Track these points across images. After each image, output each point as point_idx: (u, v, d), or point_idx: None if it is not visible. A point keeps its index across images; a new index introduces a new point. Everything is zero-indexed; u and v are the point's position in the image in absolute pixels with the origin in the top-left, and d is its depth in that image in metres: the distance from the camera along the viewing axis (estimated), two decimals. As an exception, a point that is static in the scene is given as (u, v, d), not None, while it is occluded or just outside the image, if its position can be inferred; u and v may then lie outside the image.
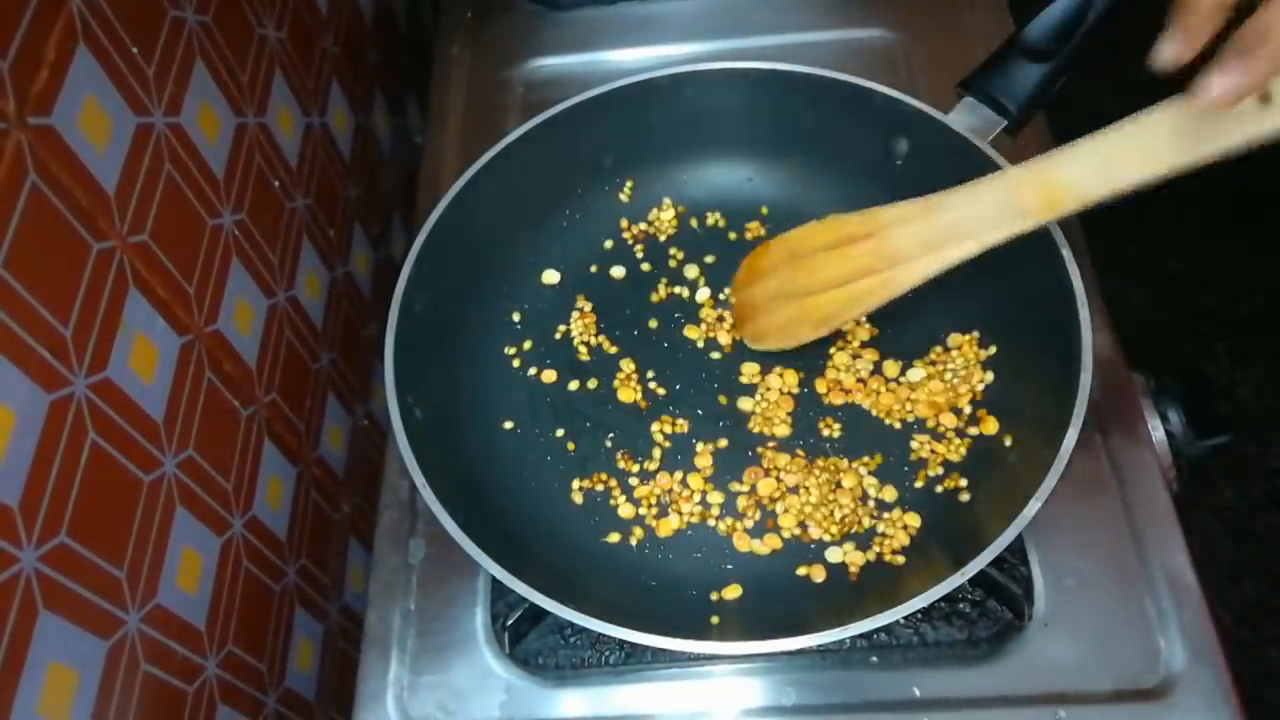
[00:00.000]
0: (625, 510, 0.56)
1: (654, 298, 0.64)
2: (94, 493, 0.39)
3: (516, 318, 0.63)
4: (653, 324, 0.63)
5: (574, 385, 0.61)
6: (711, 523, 0.56)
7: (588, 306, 0.63)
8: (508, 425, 0.59)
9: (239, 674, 0.50)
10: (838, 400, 0.59)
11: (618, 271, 0.65)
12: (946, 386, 0.58)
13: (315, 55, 0.67)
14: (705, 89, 0.63)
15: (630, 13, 0.80)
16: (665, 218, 0.66)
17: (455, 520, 0.48)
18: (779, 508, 0.56)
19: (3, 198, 0.35)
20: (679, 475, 0.57)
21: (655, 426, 0.59)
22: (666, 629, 0.45)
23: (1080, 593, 0.53)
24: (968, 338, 0.59)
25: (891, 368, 0.59)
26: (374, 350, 0.75)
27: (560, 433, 0.59)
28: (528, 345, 0.62)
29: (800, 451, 0.57)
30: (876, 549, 0.54)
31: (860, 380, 0.59)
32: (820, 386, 0.59)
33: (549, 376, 0.61)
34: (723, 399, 0.60)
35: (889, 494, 0.55)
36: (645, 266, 0.65)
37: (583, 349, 0.62)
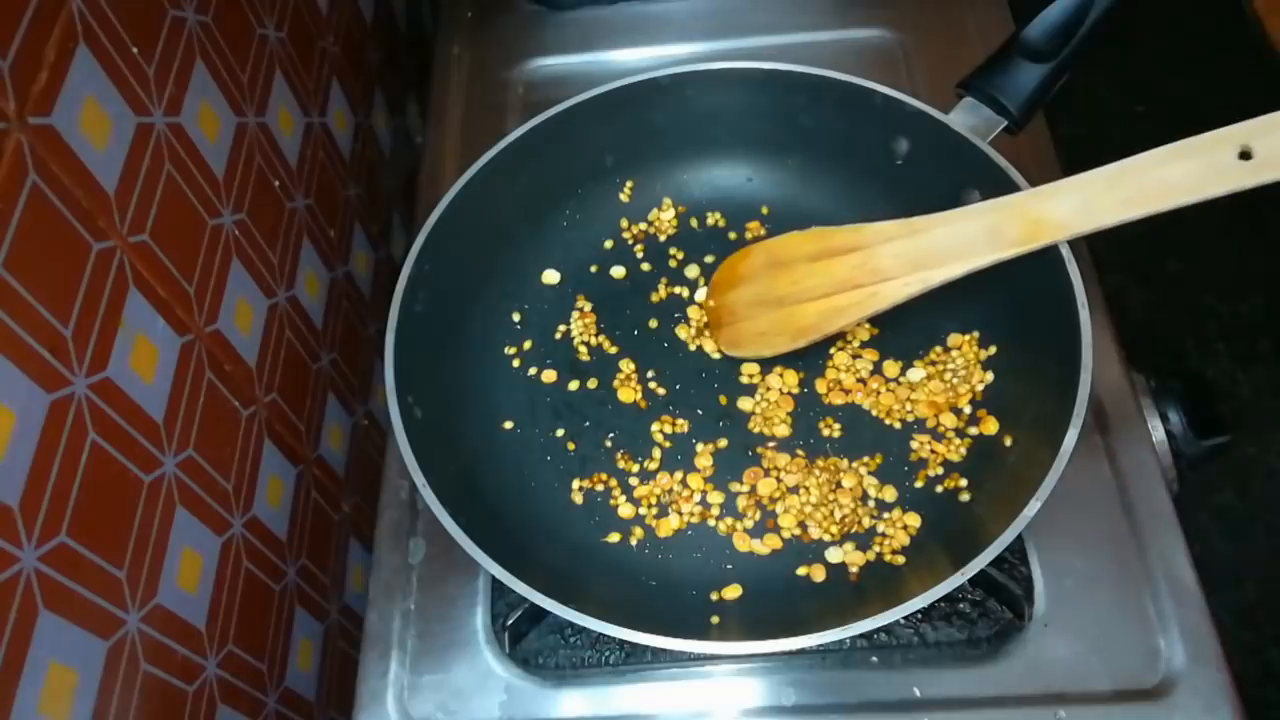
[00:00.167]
0: (625, 510, 0.56)
1: (654, 298, 0.64)
2: (94, 493, 0.39)
3: (516, 318, 0.63)
4: (653, 324, 0.63)
5: (574, 385, 0.61)
6: (711, 523, 0.56)
7: (588, 306, 0.63)
8: (508, 425, 0.59)
9: (239, 674, 0.50)
10: (838, 400, 0.59)
11: (618, 271, 0.65)
12: (946, 386, 0.58)
13: (315, 55, 0.67)
14: (705, 89, 0.63)
15: (630, 13, 0.80)
16: (665, 218, 0.66)
17: (455, 520, 0.48)
18: (779, 508, 0.56)
19: (3, 198, 0.35)
20: (679, 475, 0.57)
21: (655, 426, 0.59)
22: (666, 629, 0.45)
23: (1080, 593, 0.53)
24: (968, 338, 0.59)
25: (891, 368, 0.59)
26: (374, 350, 0.75)
27: (560, 433, 0.59)
28: (528, 345, 0.62)
29: (800, 451, 0.57)
30: (876, 549, 0.54)
31: (860, 380, 0.59)
32: (820, 386, 0.59)
33: (549, 376, 0.61)
34: (723, 399, 0.60)
35: (889, 494, 0.55)
36: (645, 266, 0.65)
37: (583, 349, 0.62)
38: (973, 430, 0.56)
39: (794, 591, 0.53)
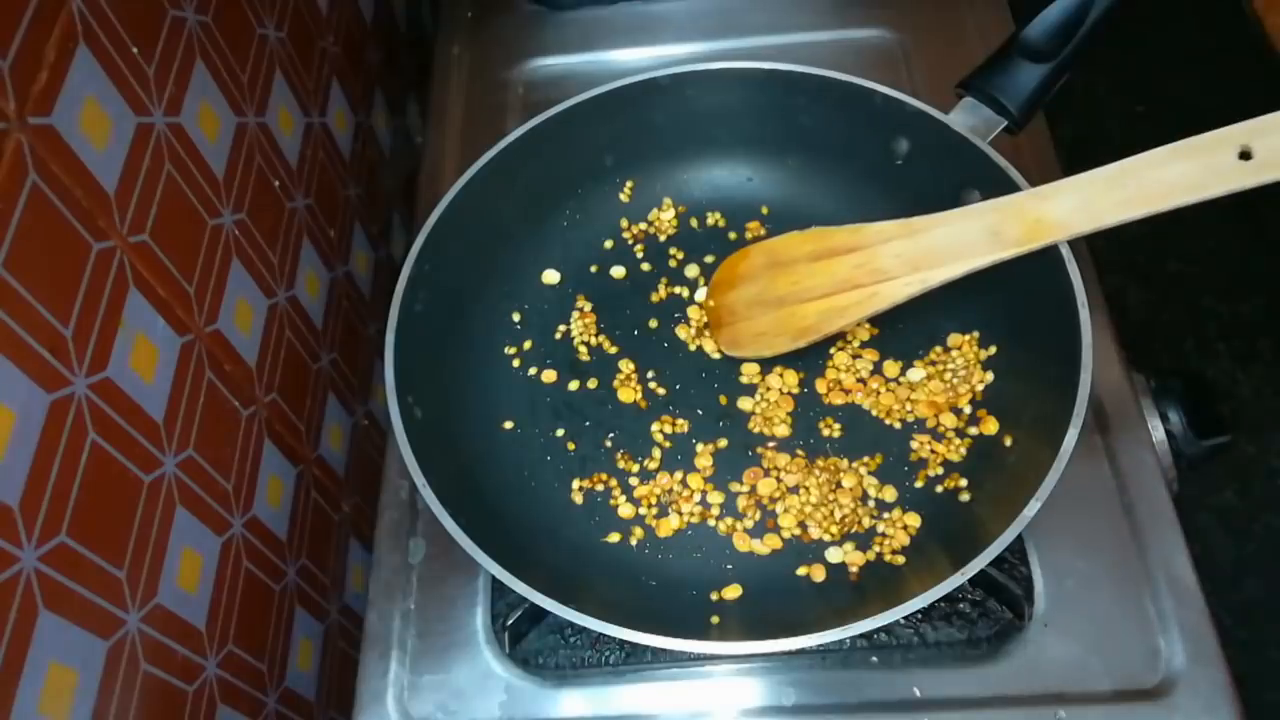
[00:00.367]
0: (625, 510, 0.56)
1: (654, 298, 0.64)
2: (94, 493, 0.39)
3: (516, 318, 0.63)
4: (653, 324, 0.63)
5: (574, 385, 0.61)
6: (711, 523, 0.56)
7: (588, 306, 0.63)
8: (508, 425, 0.59)
9: (239, 674, 0.50)
10: (838, 400, 0.59)
11: (618, 271, 0.65)
12: (946, 386, 0.58)
13: (315, 55, 0.67)
14: (705, 89, 0.63)
15: (630, 13, 0.80)
16: (665, 218, 0.66)
17: (455, 520, 0.48)
18: (779, 508, 0.56)
19: (3, 197, 0.35)
20: (679, 475, 0.57)
21: (655, 426, 0.59)
22: (666, 629, 0.45)
23: (1080, 593, 0.53)
24: (968, 338, 0.59)
25: (891, 368, 0.59)
26: (374, 350, 0.75)
27: (560, 432, 0.59)
28: (528, 345, 0.62)
29: (800, 451, 0.57)
30: (876, 549, 0.54)
31: (860, 380, 0.59)
32: (820, 386, 0.59)
33: (549, 376, 0.61)
34: (723, 399, 0.60)
35: (889, 494, 0.55)
36: (645, 266, 0.65)
37: (583, 349, 0.62)
38: (973, 430, 0.56)
39: (794, 591, 0.53)
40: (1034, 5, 0.55)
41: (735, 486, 0.57)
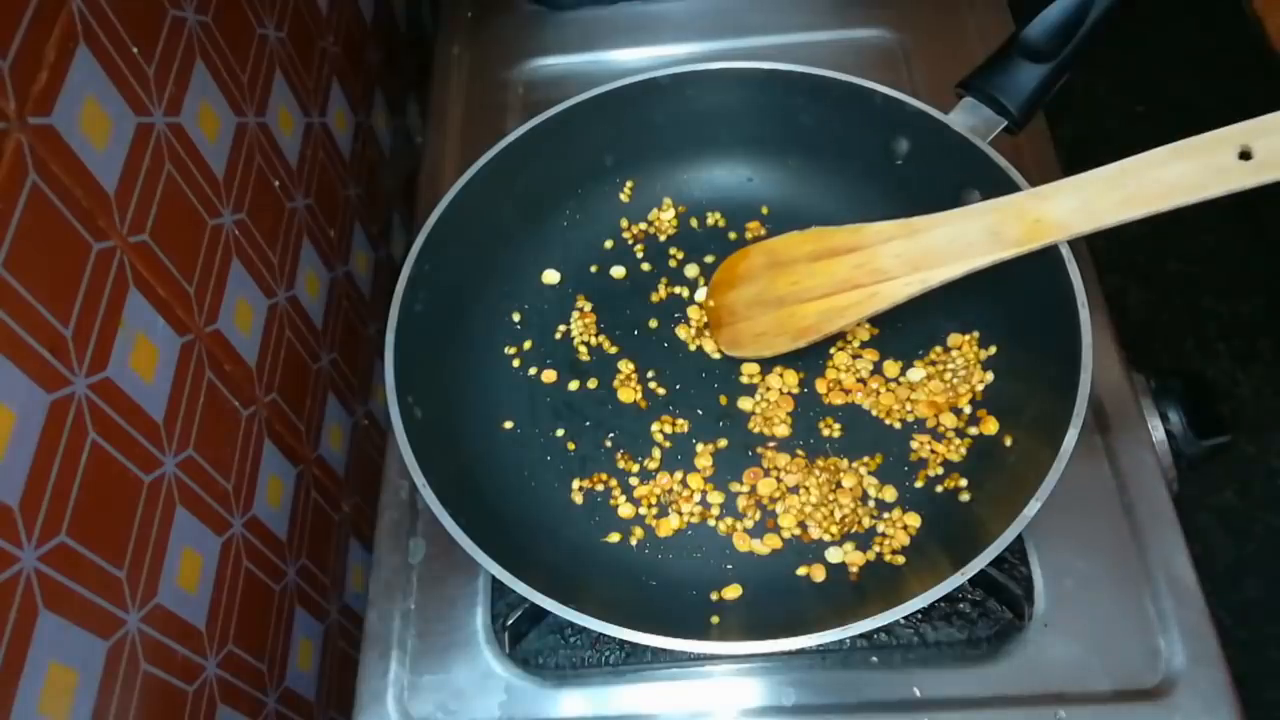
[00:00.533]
0: (625, 510, 0.56)
1: (654, 298, 0.64)
2: (94, 493, 0.39)
3: (516, 318, 0.63)
4: (653, 324, 0.63)
5: (574, 385, 0.61)
6: (711, 523, 0.56)
7: (588, 306, 0.63)
8: (508, 425, 0.59)
9: (239, 674, 0.50)
10: (838, 400, 0.59)
11: (618, 271, 0.65)
12: (946, 386, 0.58)
13: (315, 55, 0.67)
14: (705, 89, 0.63)
15: (630, 13, 0.80)
16: (665, 218, 0.66)
17: (455, 520, 0.48)
18: (779, 508, 0.56)
19: (3, 197, 0.35)
20: (679, 475, 0.57)
21: (655, 426, 0.59)
22: (666, 629, 0.45)
23: (1080, 593, 0.53)
24: (968, 338, 0.59)
25: (891, 368, 0.59)
26: (374, 350, 0.75)
27: (560, 432, 0.59)
28: (528, 345, 0.62)
29: (800, 451, 0.57)
30: (876, 549, 0.54)
31: (860, 380, 0.59)
32: (820, 386, 0.59)
33: (549, 376, 0.61)
34: (723, 399, 0.60)
35: (889, 494, 0.55)
36: (645, 266, 0.65)
37: (583, 349, 0.62)
38: (973, 430, 0.56)
39: (794, 591, 0.53)
40: (1034, 5, 0.55)
41: (735, 486, 0.57)
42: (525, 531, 0.54)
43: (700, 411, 0.59)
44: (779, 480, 0.56)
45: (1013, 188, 0.53)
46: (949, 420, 0.57)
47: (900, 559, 0.53)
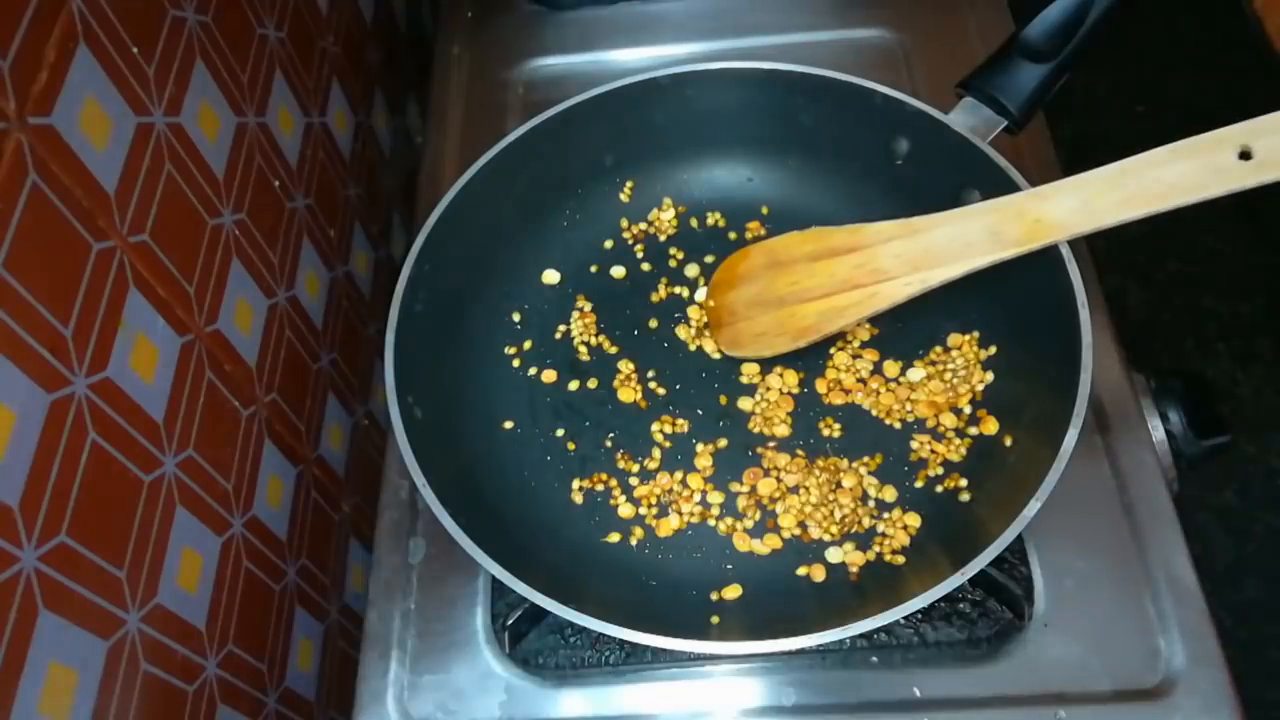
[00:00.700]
0: (625, 510, 0.56)
1: (654, 298, 0.64)
2: (94, 492, 0.39)
3: (516, 318, 0.63)
4: (653, 324, 0.63)
5: (574, 385, 0.61)
6: (711, 523, 0.56)
7: (588, 306, 0.63)
8: (508, 425, 0.59)
9: (239, 674, 0.50)
10: (838, 400, 0.59)
11: (618, 271, 0.65)
12: (946, 386, 0.58)
13: (315, 55, 0.67)
14: (705, 89, 0.63)
15: (630, 13, 0.80)
16: (665, 218, 0.66)
17: (455, 520, 0.48)
18: (779, 508, 0.56)
19: (3, 197, 0.35)
20: (679, 475, 0.57)
21: (655, 426, 0.59)
22: (666, 629, 0.45)
23: (1080, 593, 0.53)
24: (968, 338, 0.59)
25: (892, 368, 0.59)
26: (374, 350, 0.75)
27: (560, 432, 0.59)
28: (528, 345, 0.62)
29: (800, 451, 0.57)
30: (876, 549, 0.54)
31: (860, 380, 0.59)
32: (820, 386, 0.59)
33: (549, 376, 0.61)
34: (723, 399, 0.60)
35: (889, 494, 0.55)
36: (645, 266, 0.65)
37: (583, 349, 0.62)
38: (973, 430, 0.56)
39: (794, 591, 0.53)
40: (1034, 5, 0.55)
41: (735, 486, 0.57)
42: (525, 531, 0.54)
43: (700, 411, 0.59)
44: (779, 480, 0.56)
45: (1013, 188, 0.53)
46: (949, 420, 0.57)
47: (900, 559, 0.53)
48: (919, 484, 0.56)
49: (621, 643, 0.54)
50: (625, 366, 0.61)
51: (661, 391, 0.60)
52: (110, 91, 0.42)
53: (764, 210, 0.66)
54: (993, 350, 0.58)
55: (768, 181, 0.66)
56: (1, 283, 0.35)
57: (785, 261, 0.59)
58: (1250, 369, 1.30)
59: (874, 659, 0.53)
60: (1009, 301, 0.57)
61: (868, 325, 0.61)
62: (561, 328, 0.63)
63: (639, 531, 0.56)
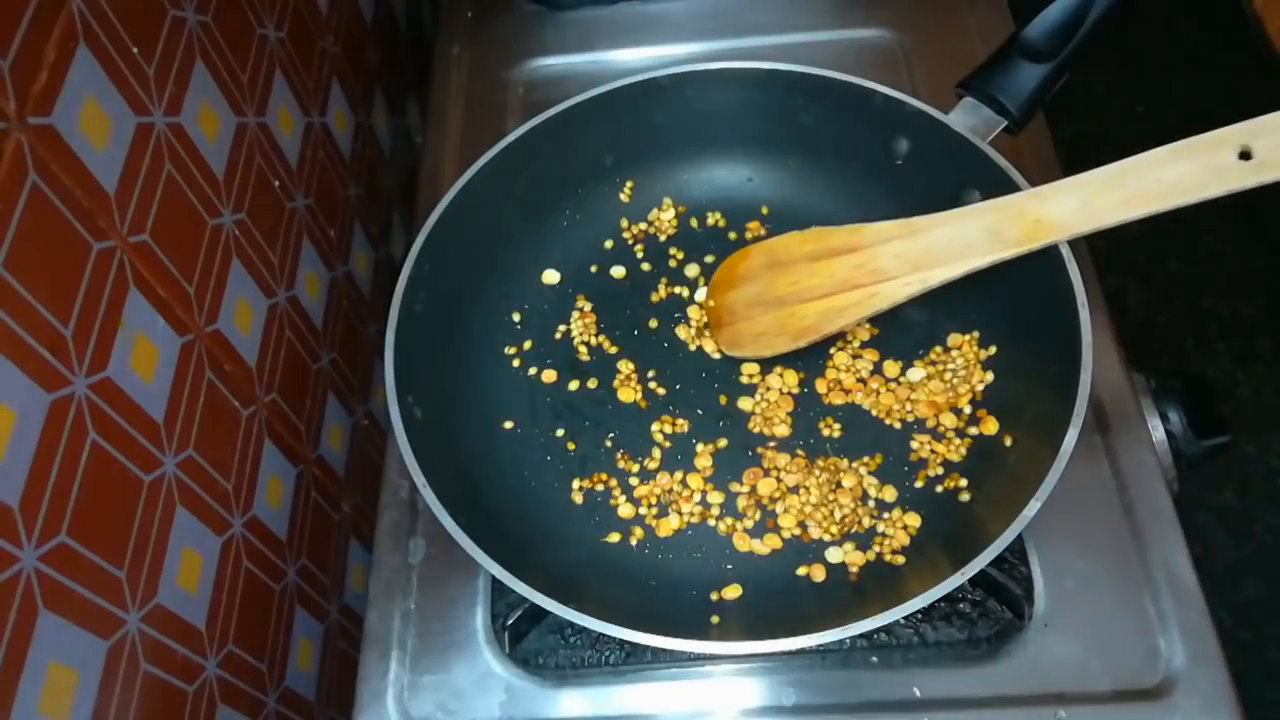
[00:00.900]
0: (625, 510, 0.56)
1: (654, 298, 0.64)
2: (94, 492, 0.39)
3: (516, 318, 0.63)
4: (653, 324, 0.63)
5: (574, 385, 0.61)
6: (711, 523, 0.56)
7: (588, 306, 0.63)
8: (508, 425, 0.59)
9: (239, 674, 0.50)
10: (838, 400, 0.59)
11: (618, 271, 0.65)
12: (946, 386, 0.58)
13: (315, 55, 0.67)
14: (705, 89, 0.63)
15: (630, 13, 0.80)
16: (665, 218, 0.66)
17: (455, 520, 0.48)
18: (779, 508, 0.56)
19: (3, 197, 0.35)
20: (679, 475, 0.57)
21: (655, 426, 0.59)
22: (666, 629, 0.45)
23: (1080, 593, 0.53)
24: (968, 338, 0.59)
25: (892, 368, 0.59)
26: (374, 350, 0.75)
27: (560, 432, 0.59)
28: (528, 345, 0.62)
29: (800, 451, 0.57)
30: (876, 549, 0.54)
31: (860, 380, 0.59)
32: (820, 386, 0.59)
33: (549, 376, 0.61)
34: (723, 399, 0.60)
35: (889, 494, 0.55)
36: (645, 266, 0.65)
37: (583, 349, 0.62)
38: (973, 430, 0.56)
39: (794, 591, 0.53)
40: (1034, 5, 0.55)
41: (735, 486, 0.57)
42: (525, 531, 0.54)
43: (700, 411, 0.59)
44: (779, 480, 0.56)
45: (1013, 188, 0.53)
46: (949, 420, 0.57)
47: (900, 559, 0.53)
48: (919, 484, 0.56)
49: (621, 643, 0.54)
50: (625, 366, 0.61)
51: (661, 391, 0.60)
52: (110, 91, 0.42)
53: (764, 210, 0.66)
54: (993, 350, 0.58)
55: (768, 181, 0.66)
56: (1, 282, 0.35)
57: (785, 261, 0.59)
58: (1250, 369, 1.30)
59: (874, 659, 0.53)
60: (1009, 301, 0.57)
61: (868, 325, 0.61)
62: (561, 328, 0.63)
63: (639, 531, 0.56)
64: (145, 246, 0.44)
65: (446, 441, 0.55)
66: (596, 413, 0.60)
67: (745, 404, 0.59)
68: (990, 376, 0.58)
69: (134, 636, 0.41)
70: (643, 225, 0.67)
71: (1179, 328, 1.34)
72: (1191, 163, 0.45)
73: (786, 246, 0.59)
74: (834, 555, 0.54)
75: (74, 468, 0.38)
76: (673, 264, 0.65)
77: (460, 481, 0.53)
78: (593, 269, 0.65)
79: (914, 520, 0.54)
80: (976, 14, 0.77)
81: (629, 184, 0.67)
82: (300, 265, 0.62)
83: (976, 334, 0.59)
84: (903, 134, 0.60)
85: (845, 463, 0.57)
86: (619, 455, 0.58)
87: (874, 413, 0.58)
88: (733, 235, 0.66)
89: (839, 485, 0.56)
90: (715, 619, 0.51)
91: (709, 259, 0.65)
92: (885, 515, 0.55)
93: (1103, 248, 0.62)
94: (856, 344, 0.60)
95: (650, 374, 0.61)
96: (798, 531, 0.55)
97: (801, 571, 0.54)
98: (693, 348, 0.62)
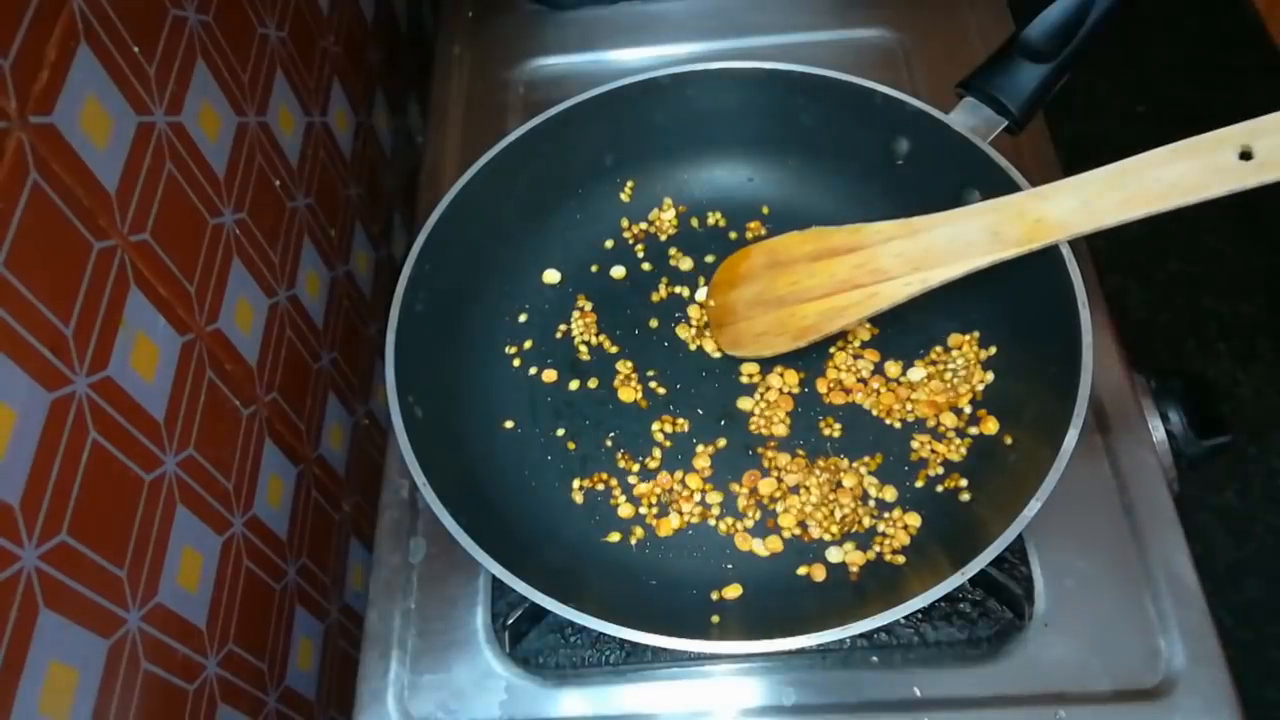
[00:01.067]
0: (625, 510, 0.56)
1: (654, 297, 0.64)
2: (95, 492, 0.39)
3: (517, 317, 0.63)
4: (653, 324, 0.63)
5: (574, 385, 0.61)
6: (712, 522, 0.56)
7: (588, 306, 0.63)
8: (508, 425, 0.60)
9: (239, 673, 0.50)
10: (838, 400, 0.59)
11: (618, 271, 0.65)
12: (947, 386, 0.58)
13: (316, 54, 0.67)
14: (705, 89, 0.63)
15: (630, 13, 0.80)
16: (666, 217, 0.66)
17: (456, 520, 0.48)
18: (779, 507, 0.56)
19: (4, 196, 0.35)
20: (679, 475, 0.57)
21: (655, 426, 0.59)
22: (667, 628, 0.45)
23: (1080, 593, 0.53)
24: (968, 338, 0.59)
25: (892, 367, 0.59)
26: (374, 349, 0.75)
27: (561, 432, 0.59)
28: (528, 345, 0.62)
29: (800, 451, 0.57)
30: (877, 549, 0.54)
31: (861, 380, 0.59)
32: (820, 386, 0.59)
33: (549, 376, 0.61)
34: (723, 399, 0.60)
35: (889, 494, 0.55)
36: (646, 266, 0.65)
37: (583, 348, 0.62)
38: (973, 430, 0.56)
39: (794, 591, 0.53)
40: (1034, 5, 0.56)
41: (735, 486, 0.57)
42: (525, 531, 0.54)
43: (700, 411, 0.59)
44: (779, 480, 0.56)
45: (1013, 188, 0.53)
46: (949, 420, 0.57)
47: (900, 559, 0.53)
48: (919, 484, 0.56)
49: (621, 642, 0.54)
50: (625, 366, 0.61)
51: (662, 391, 0.60)
52: (111, 90, 0.43)
53: (764, 210, 0.66)
54: (993, 350, 0.58)
55: (768, 181, 0.67)
56: (2, 282, 0.35)
57: (785, 261, 0.59)
58: (1251, 369, 1.30)
59: (874, 659, 0.53)
60: (1009, 301, 0.57)
61: (868, 325, 0.61)
62: (562, 327, 0.63)
63: (639, 531, 0.56)
64: (146, 246, 0.44)
65: (447, 441, 0.55)
66: (597, 412, 0.60)
67: (745, 404, 0.59)
68: (990, 376, 0.58)
69: (134, 636, 0.41)
70: (643, 225, 0.67)
71: (1179, 328, 1.34)
72: (1192, 163, 0.45)
73: (787, 246, 0.59)
74: (834, 555, 0.54)
75: (74, 467, 0.38)
76: (673, 264, 0.65)
77: (460, 481, 0.53)
78: (593, 269, 0.65)
79: (914, 520, 0.54)
80: (976, 14, 0.77)
81: (629, 184, 0.67)
82: (301, 265, 0.62)
83: (977, 334, 0.59)
84: (903, 134, 0.60)
85: (845, 462, 0.57)
86: (619, 455, 0.58)
87: (874, 412, 0.58)
88: (733, 235, 0.66)
89: (839, 485, 0.56)
90: (715, 618, 0.51)
91: (709, 259, 0.65)
92: (885, 515, 0.55)
93: (1103, 248, 0.62)
94: (857, 344, 0.60)
95: (650, 374, 0.61)
96: (798, 531, 0.55)
97: (802, 571, 0.54)
98: (693, 347, 0.62)
